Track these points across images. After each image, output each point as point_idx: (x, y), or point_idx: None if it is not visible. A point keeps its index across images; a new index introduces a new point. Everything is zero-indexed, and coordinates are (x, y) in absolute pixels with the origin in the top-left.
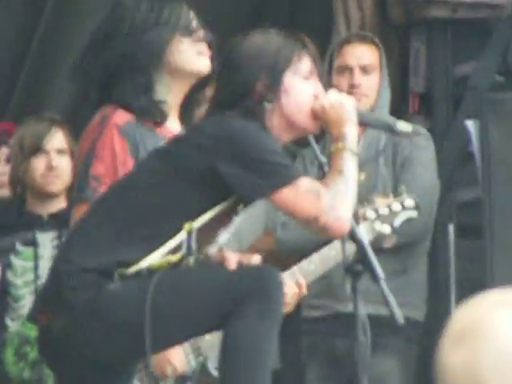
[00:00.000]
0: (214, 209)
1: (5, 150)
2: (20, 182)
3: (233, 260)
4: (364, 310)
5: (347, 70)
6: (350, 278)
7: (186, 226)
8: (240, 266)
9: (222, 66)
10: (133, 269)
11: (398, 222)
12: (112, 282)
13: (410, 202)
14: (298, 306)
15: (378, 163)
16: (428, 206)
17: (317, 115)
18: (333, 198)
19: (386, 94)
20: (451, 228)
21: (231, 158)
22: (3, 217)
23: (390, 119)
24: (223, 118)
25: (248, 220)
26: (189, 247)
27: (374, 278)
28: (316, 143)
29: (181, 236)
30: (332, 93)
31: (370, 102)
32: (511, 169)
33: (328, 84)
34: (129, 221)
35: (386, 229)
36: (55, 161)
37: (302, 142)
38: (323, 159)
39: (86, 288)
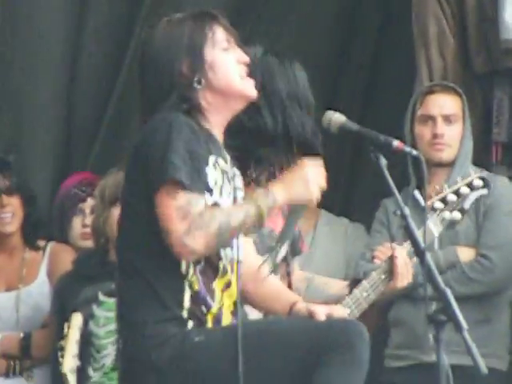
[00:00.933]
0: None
1: (90, 202)
2: (102, 232)
3: (321, 312)
4: (447, 360)
5: (430, 119)
6: (433, 327)
7: (189, 276)
8: (328, 318)
9: (140, 63)
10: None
11: (468, 203)
12: (192, 332)
13: (478, 181)
14: (381, 357)
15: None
16: (511, 255)
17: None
18: (196, 226)
19: (469, 144)
20: None
21: (149, 153)
22: (87, 267)
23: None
24: (156, 116)
25: (327, 265)
26: (197, 292)
27: (457, 327)
28: (399, 193)
29: (187, 286)
30: (310, 167)
31: (453, 151)
32: None
33: (411, 133)
34: (150, 265)
35: (456, 215)
36: None
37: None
38: (406, 211)
39: (167, 344)
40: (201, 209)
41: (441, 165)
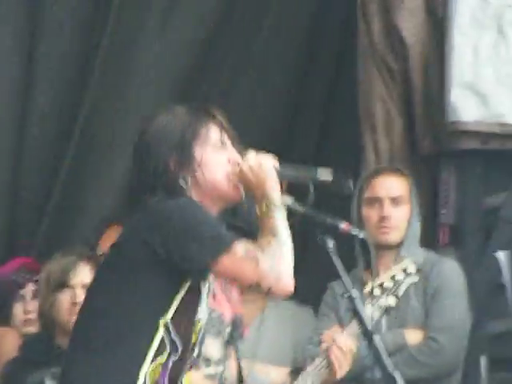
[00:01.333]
0: (177, 295)
1: (31, 287)
2: (48, 317)
3: None
4: None
5: (377, 201)
6: None
7: (161, 323)
8: None
9: (133, 152)
10: None
11: (401, 290)
12: None
13: (411, 267)
14: None
15: (409, 295)
16: (459, 337)
17: (237, 180)
18: (271, 260)
19: (416, 226)
20: (483, 360)
21: (166, 237)
22: (33, 352)
23: (311, 171)
24: (150, 206)
25: (275, 349)
26: (172, 342)
27: None
28: (348, 274)
29: (159, 334)
30: (250, 155)
31: (401, 233)
32: None
33: (358, 216)
34: (105, 347)
35: (391, 301)
36: (80, 297)
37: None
38: (354, 293)
39: None
40: (254, 246)
41: (388, 247)
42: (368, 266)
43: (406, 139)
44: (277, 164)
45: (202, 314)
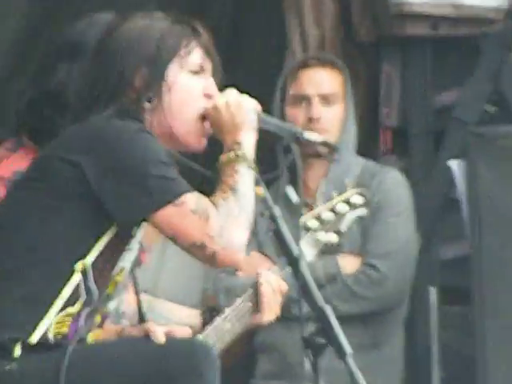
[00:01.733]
0: (104, 236)
1: None
2: None
3: (159, 333)
4: None
5: (304, 99)
6: (309, 353)
7: (78, 266)
8: (168, 339)
9: (94, 53)
10: (33, 338)
11: (345, 225)
12: (8, 360)
13: (357, 198)
14: None
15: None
16: (403, 265)
17: (206, 116)
18: (224, 221)
19: (352, 129)
20: (433, 292)
21: (103, 170)
22: None
23: (296, 128)
24: (91, 120)
25: (179, 280)
26: (88, 291)
27: (339, 353)
28: (267, 188)
29: (74, 280)
30: (229, 91)
31: (333, 138)
32: (505, 218)
33: (281, 116)
34: (5, 280)
35: (332, 237)
36: None
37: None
38: (276, 211)
39: None
40: (208, 201)
41: (318, 155)
42: (293, 179)
43: (338, 23)
44: (260, 109)
45: (128, 262)
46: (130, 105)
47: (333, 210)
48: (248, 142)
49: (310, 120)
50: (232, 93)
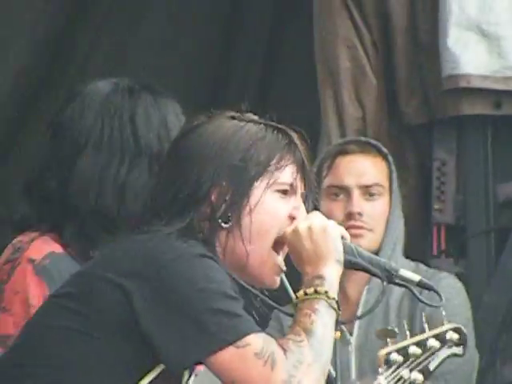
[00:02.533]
0: (147, 377)
1: None
2: None
3: None
4: None
5: (343, 192)
6: None
7: None
8: None
9: (166, 159)
10: None
11: (434, 364)
12: None
13: (451, 333)
14: None
15: (388, 321)
16: None
17: (283, 241)
18: (294, 370)
19: (399, 227)
20: None
21: (154, 300)
22: None
23: (391, 264)
24: (150, 238)
25: None
26: None
27: None
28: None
29: None
30: (313, 214)
31: (377, 238)
32: None
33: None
34: None
35: (417, 377)
36: None
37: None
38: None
39: None
40: (276, 345)
41: None
42: None
43: (382, 101)
44: (348, 238)
45: None
46: (202, 222)
47: (422, 345)
48: (332, 277)
49: (350, 216)
50: (316, 216)
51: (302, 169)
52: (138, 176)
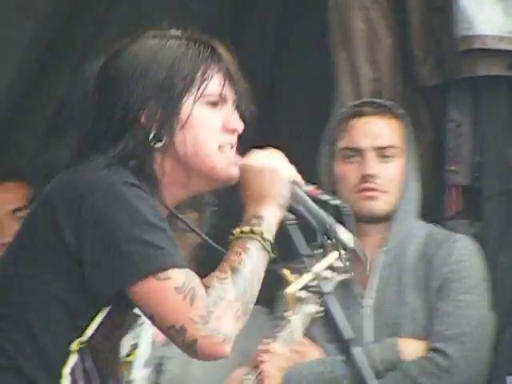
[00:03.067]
0: (102, 311)
1: None
2: None
3: None
4: None
5: (357, 154)
6: None
7: (73, 346)
8: None
9: (94, 85)
10: None
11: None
12: None
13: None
14: None
15: (402, 287)
16: (476, 350)
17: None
18: (213, 305)
19: (415, 189)
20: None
21: (83, 234)
22: None
23: (331, 221)
24: (80, 170)
25: (214, 367)
26: (85, 373)
27: None
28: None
29: (71, 361)
30: (270, 153)
31: (392, 200)
32: None
33: (329, 173)
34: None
35: (312, 309)
36: None
37: None
38: (325, 287)
39: None
40: (198, 281)
41: (373, 220)
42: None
43: (397, 62)
44: (300, 183)
45: (142, 338)
46: (137, 145)
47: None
48: (270, 220)
49: (365, 178)
50: (274, 156)
51: (229, 77)
52: None
